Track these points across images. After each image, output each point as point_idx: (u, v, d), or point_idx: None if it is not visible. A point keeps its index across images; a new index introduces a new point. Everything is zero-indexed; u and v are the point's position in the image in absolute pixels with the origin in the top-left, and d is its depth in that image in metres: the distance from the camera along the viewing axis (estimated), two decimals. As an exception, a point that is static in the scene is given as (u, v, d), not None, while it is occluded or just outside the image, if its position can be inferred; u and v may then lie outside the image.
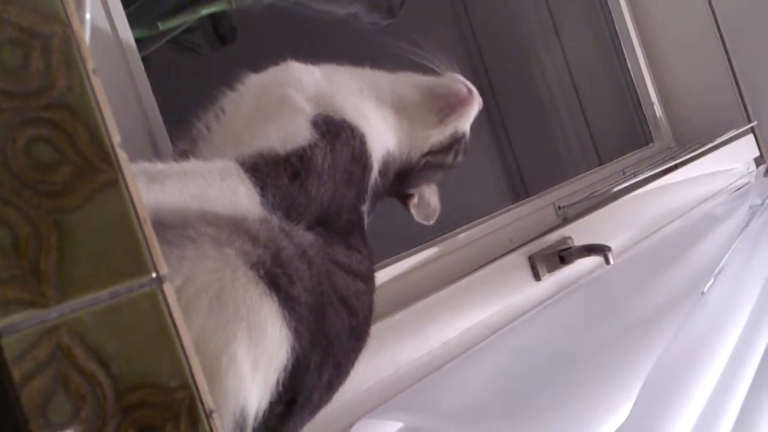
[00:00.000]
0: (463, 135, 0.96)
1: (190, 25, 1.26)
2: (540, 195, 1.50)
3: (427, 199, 1.01)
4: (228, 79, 0.81)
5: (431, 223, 1.02)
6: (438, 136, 0.93)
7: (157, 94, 0.89)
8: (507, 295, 1.16)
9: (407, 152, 0.90)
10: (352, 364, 0.72)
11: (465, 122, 0.95)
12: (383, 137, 0.85)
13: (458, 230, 1.26)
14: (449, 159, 0.96)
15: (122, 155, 0.42)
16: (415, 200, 0.99)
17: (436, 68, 0.97)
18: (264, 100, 0.77)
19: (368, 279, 0.77)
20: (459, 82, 0.94)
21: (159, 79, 0.90)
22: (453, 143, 0.95)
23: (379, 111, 0.86)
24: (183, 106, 0.82)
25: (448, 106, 0.92)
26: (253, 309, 0.57)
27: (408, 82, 0.94)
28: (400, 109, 0.90)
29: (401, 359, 0.96)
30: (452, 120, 0.93)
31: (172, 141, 0.87)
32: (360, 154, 0.78)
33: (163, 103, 0.89)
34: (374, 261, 0.80)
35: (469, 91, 0.94)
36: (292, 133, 0.72)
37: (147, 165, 0.63)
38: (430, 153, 0.93)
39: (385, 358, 0.93)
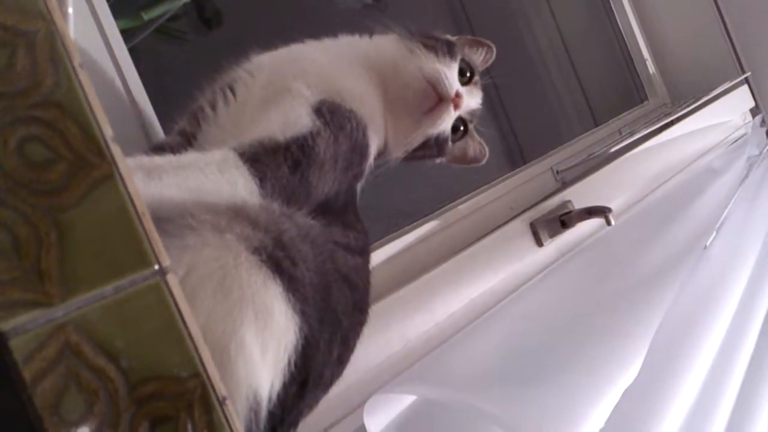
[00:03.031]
0: (440, 134, 0.87)
1: (175, 13, 1.25)
2: (538, 160, 1.50)
3: None
4: (217, 63, 0.80)
5: None
6: (416, 138, 0.85)
7: (146, 85, 0.88)
8: (510, 263, 1.16)
9: (388, 153, 0.87)
10: (359, 337, 0.73)
11: (438, 127, 0.86)
12: (380, 133, 0.84)
13: (458, 201, 1.26)
14: (430, 153, 0.90)
15: (116, 149, 0.42)
16: None
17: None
18: (269, 87, 0.76)
19: (364, 252, 0.77)
20: (431, 85, 0.83)
21: (147, 69, 0.90)
22: (428, 142, 0.87)
23: (380, 109, 0.84)
24: (173, 94, 0.82)
25: (422, 109, 0.84)
26: (258, 294, 0.57)
27: (406, 69, 0.84)
28: (391, 109, 0.86)
29: (409, 334, 0.96)
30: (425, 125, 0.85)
31: (164, 130, 0.86)
32: (361, 145, 0.78)
33: (154, 93, 0.88)
34: (368, 234, 0.80)
35: (440, 97, 0.83)
36: (293, 119, 0.71)
37: (144, 159, 0.62)
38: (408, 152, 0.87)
39: (393, 334, 0.94)
